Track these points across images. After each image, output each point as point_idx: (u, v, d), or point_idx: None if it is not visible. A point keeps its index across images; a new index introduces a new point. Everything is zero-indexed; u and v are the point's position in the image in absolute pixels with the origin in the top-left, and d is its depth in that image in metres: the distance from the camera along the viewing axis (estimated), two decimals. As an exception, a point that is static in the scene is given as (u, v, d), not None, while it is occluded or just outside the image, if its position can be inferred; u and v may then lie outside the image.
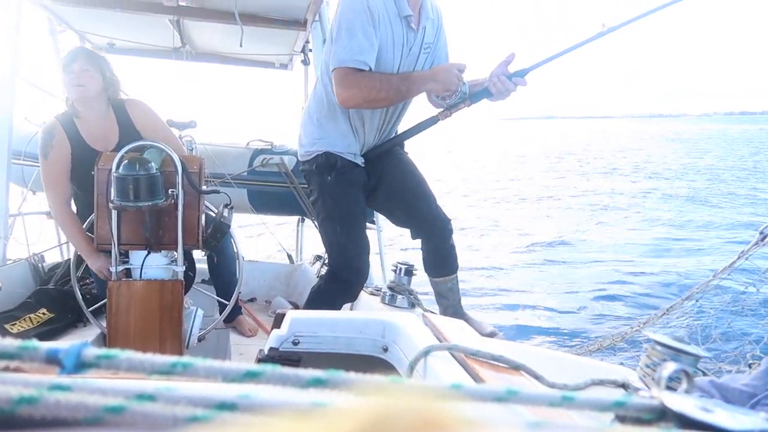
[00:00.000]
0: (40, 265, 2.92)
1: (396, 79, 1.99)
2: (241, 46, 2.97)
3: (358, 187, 2.18)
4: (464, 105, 2.08)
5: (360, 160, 2.19)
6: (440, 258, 2.31)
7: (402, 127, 2.30)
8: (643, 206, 13.14)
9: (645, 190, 16.10)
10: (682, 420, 0.37)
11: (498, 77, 2.00)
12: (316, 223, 3.92)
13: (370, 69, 1.95)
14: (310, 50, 3.68)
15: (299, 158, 2.27)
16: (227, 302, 2.50)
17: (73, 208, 2.39)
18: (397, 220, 2.35)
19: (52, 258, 3.17)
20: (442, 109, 2.13)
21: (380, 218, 3.24)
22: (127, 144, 2.05)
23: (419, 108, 2.34)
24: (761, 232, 2.45)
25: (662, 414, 0.39)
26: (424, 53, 2.13)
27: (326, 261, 3.13)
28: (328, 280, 2.19)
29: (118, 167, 1.94)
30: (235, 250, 2.57)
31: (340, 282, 2.13)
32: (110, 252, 2.07)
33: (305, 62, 3.95)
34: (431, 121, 2.16)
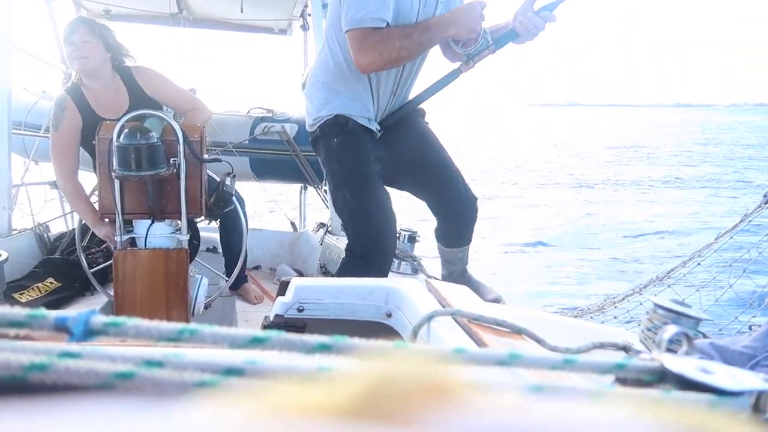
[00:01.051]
0: (45, 235, 2.94)
1: (416, 33, 1.80)
2: (242, 11, 2.92)
3: (368, 150, 1.97)
4: (488, 52, 1.89)
5: (375, 126, 2.00)
6: (459, 234, 2.19)
7: (416, 89, 2.12)
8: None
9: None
10: (682, 381, 0.38)
11: (524, 15, 1.82)
12: (320, 191, 3.94)
13: (387, 24, 1.78)
14: (309, 15, 3.61)
15: (308, 129, 2.10)
16: (233, 269, 2.52)
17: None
18: (418, 193, 2.19)
19: (57, 228, 3.19)
20: (463, 61, 1.93)
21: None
22: (137, 109, 2.05)
23: (432, 65, 2.17)
24: (765, 195, 2.44)
25: (662, 375, 0.39)
26: (442, 3, 1.93)
27: (329, 228, 3.14)
28: (346, 259, 2.02)
29: (119, 136, 1.93)
30: (243, 218, 2.57)
31: (357, 258, 1.94)
32: (115, 221, 2.09)
33: (304, 27, 3.89)
34: (453, 75, 1.98)
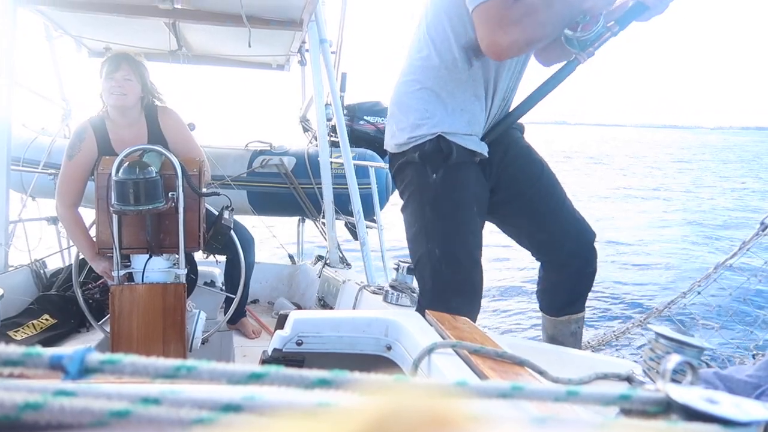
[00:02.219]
0: (41, 271, 2.92)
1: (558, 2, 1.45)
2: (249, 46, 2.97)
3: (474, 194, 1.61)
4: (609, 34, 1.54)
5: (483, 149, 1.61)
6: (574, 289, 1.73)
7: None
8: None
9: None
10: (688, 412, 0.37)
11: None
12: (318, 224, 3.94)
13: None
14: (307, 50, 3.67)
15: (392, 149, 1.68)
16: (230, 304, 2.50)
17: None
18: (522, 231, 1.74)
19: (54, 264, 3.17)
20: (577, 50, 1.57)
21: (383, 216, 3.24)
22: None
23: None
24: (762, 223, 2.45)
25: (668, 406, 0.39)
26: None
27: (327, 261, 3.13)
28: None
29: (117, 171, 1.94)
30: (237, 252, 2.57)
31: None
32: (112, 255, 2.08)
33: (302, 63, 3.95)
34: (568, 69, 1.61)
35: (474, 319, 1.55)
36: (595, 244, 1.76)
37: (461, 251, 1.59)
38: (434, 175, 1.57)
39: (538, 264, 1.82)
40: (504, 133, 1.68)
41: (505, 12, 1.42)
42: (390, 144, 1.69)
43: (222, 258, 2.73)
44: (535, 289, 1.85)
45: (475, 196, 1.62)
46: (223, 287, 2.66)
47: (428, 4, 1.62)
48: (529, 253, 1.80)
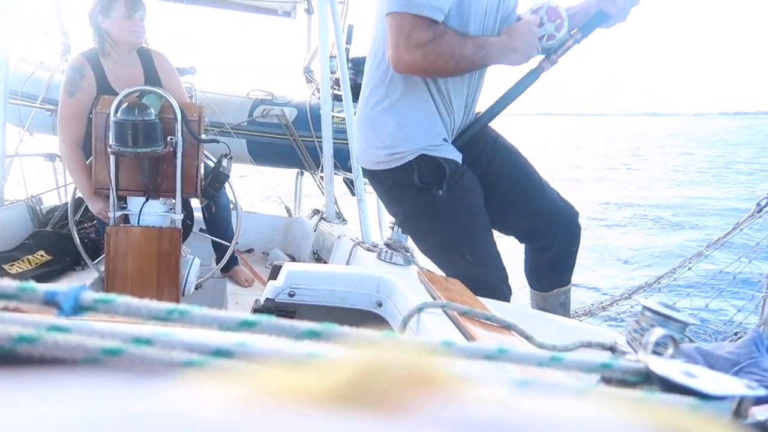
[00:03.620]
0: (37, 207, 2.92)
1: (470, 46, 1.46)
2: None
3: (479, 195, 1.64)
4: (573, 41, 1.56)
5: (458, 156, 1.63)
6: (559, 265, 1.78)
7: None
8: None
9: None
10: (666, 383, 0.38)
11: None
12: (316, 177, 3.93)
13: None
14: (315, -2, 3.58)
15: (366, 167, 1.71)
16: (224, 251, 2.52)
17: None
18: (505, 222, 1.76)
19: (50, 201, 3.17)
20: (543, 57, 1.60)
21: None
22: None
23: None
24: (758, 204, 2.45)
25: (647, 377, 0.40)
26: None
27: (324, 215, 3.14)
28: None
29: (116, 112, 1.91)
30: (234, 201, 2.57)
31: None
32: (109, 196, 2.08)
33: (309, 11, 3.86)
34: (533, 76, 1.62)
35: (509, 300, 1.64)
36: (581, 221, 1.79)
37: (490, 250, 1.64)
38: (440, 192, 1.58)
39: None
40: (478, 133, 1.70)
41: (411, 30, 1.42)
42: (365, 160, 1.70)
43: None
44: (522, 264, 1.87)
45: (480, 195, 1.65)
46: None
47: (377, 16, 1.58)
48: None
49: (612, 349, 1.01)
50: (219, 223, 2.65)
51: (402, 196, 1.68)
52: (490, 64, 1.55)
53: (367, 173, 1.75)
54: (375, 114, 1.63)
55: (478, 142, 1.72)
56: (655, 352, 0.45)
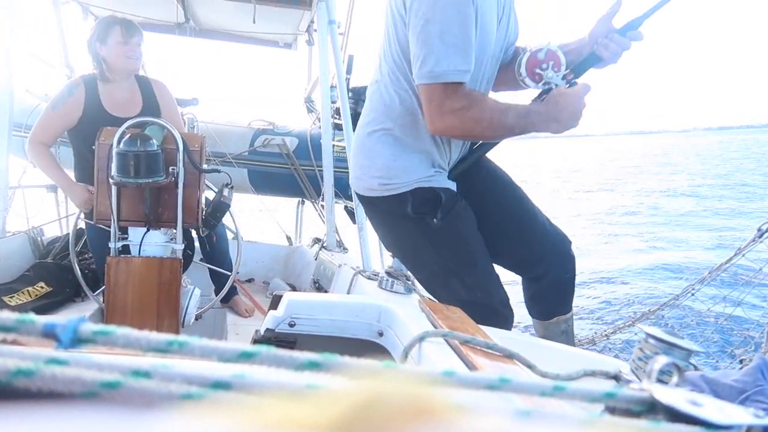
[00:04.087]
0: (39, 238, 2.93)
1: (512, 116, 1.45)
2: (254, 22, 2.95)
3: (472, 217, 1.65)
4: (565, 83, 1.57)
5: (452, 185, 1.65)
6: (556, 295, 1.76)
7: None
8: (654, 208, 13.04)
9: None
10: (671, 413, 0.37)
11: (608, 36, 1.51)
12: (317, 206, 3.94)
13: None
14: (315, 30, 3.65)
15: (359, 192, 1.71)
16: (224, 281, 2.51)
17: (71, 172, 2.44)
18: (498, 252, 1.73)
19: (52, 232, 3.18)
20: (537, 93, 1.59)
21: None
22: (147, 116, 2.13)
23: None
24: (759, 230, 2.45)
25: (652, 406, 0.39)
26: (505, 26, 1.59)
27: (324, 244, 3.14)
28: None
29: (119, 143, 1.93)
30: (234, 230, 2.57)
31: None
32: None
33: (309, 42, 3.92)
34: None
35: (512, 325, 1.64)
36: (574, 250, 1.79)
37: (488, 274, 1.64)
38: (434, 221, 1.59)
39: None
40: (474, 164, 1.71)
41: (445, 97, 1.42)
42: (358, 186, 1.71)
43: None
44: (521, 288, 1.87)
45: (473, 220, 1.66)
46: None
47: (387, 47, 1.58)
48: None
49: (616, 377, 1.00)
50: (217, 253, 2.65)
51: (396, 225, 1.69)
52: (529, 132, 1.52)
53: (361, 199, 1.75)
54: (371, 142, 1.64)
55: (472, 172, 1.72)
56: (659, 381, 0.45)
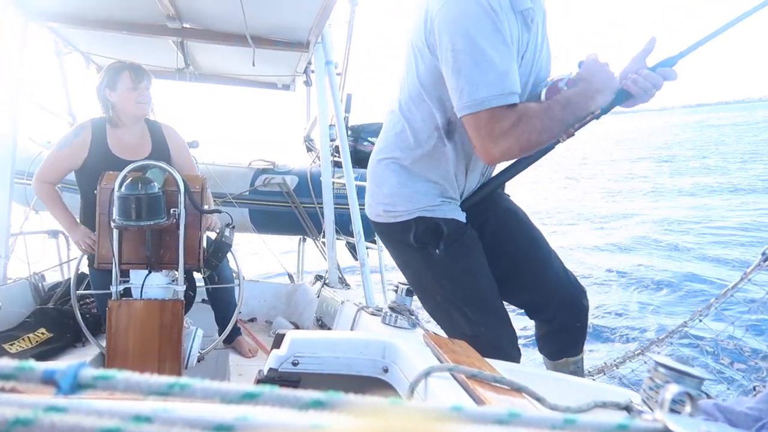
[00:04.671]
0: (40, 284, 2.92)
1: (557, 108, 1.39)
2: (253, 65, 3.01)
3: (480, 253, 1.62)
4: (592, 117, 1.50)
5: (461, 216, 1.62)
6: (566, 340, 1.74)
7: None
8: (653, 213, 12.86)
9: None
10: (686, 444, 0.37)
11: (638, 72, 1.45)
12: (318, 243, 3.94)
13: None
14: (313, 71, 3.72)
15: (370, 217, 1.72)
16: (227, 323, 2.49)
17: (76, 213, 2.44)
18: (507, 291, 1.70)
19: (53, 278, 3.17)
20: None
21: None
22: (157, 158, 2.15)
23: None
24: (763, 254, 2.44)
25: (666, 437, 0.38)
26: (530, 62, 1.54)
27: (326, 281, 3.12)
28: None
29: (120, 186, 1.94)
30: (236, 270, 2.57)
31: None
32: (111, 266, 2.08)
33: (307, 83, 3.99)
34: (549, 147, 1.54)
35: (519, 362, 1.60)
36: (587, 292, 1.76)
37: (494, 310, 1.61)
38: (437, 251, 1.57)
39: None
40: (488, 196, 1.68)
41: (494, 124, 1.36)
42: (368, 211, 1.72)
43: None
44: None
45: (481, 254, 1.62)
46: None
47: (405, 79, 1.57)
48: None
49: (628, 408, 0.98)
50: (221, 293, 2.63)
51: (402, 252, 1.68)
52: (583, 116, 1.45)
53: (372, 223, 1.74)
54: (380, 169, 1.64)
55: (487, 207, 1.69)
56: (672, 410, 0.44)
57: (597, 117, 1.52)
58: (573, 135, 1.52)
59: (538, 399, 0.92)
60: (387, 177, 1.61)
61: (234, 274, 2.67)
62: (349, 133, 4.13)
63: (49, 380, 0.30)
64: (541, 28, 1.55)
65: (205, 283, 2.59)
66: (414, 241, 1.59)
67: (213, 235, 2.38)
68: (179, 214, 2.04)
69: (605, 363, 3.27)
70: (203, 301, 2.69)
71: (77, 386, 0.30)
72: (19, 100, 2.80)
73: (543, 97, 1.51)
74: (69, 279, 2.66)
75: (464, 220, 1.62)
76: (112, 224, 1.97)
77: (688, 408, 0.46)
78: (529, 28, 1.47)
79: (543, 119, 1.37)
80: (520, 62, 1.48)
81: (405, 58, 1.57)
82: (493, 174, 1.72)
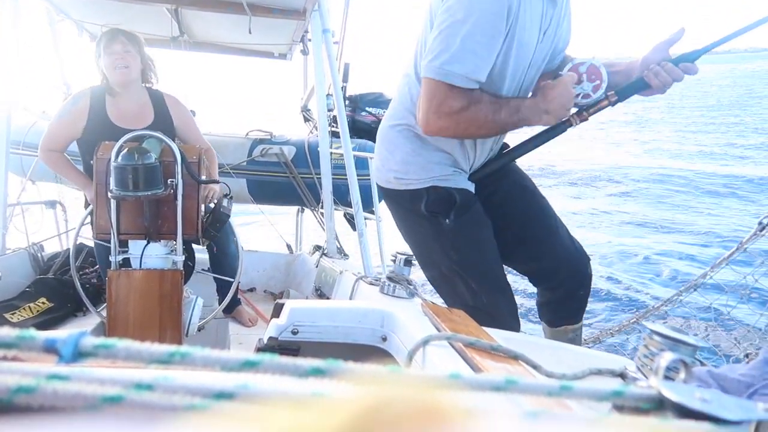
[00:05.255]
0: (39, 254, 2.92)
1: (505, 111, 1.43)
2: (250, 33, 2.96)
3: (487, 223, 1.64)
4: (607, 103, 1.53)
5: (470, 186, 1.63)
6: (567, 308, 1.78)
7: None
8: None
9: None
10: (680, 409, 0.37)
11: (660, 64, 1.46)
12: (317, 213, 3.94)
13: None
14: (310, 40, 3.66)
15: (379, 183, 1.72)
16: (227, 293, 2.51)
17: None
18: (514, 259, 1.75)
19: (51, 248, 3.17)
20: (575, 110, 1.56)
21: (381, 208, 3.24)
22: (158, 129, 2.12)
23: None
24: (760, 223, 2.45)
25: (660, 403, 0.39)
26: (551, 36, 1.55)
27: (325, 251, 3.14)
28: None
29: (116, 157, 1.93)
30: (235, 240, 2.57)
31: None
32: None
33: (304, 52, 3.93)
34: (560, 128, 1.55)
35: (518, 330, 1.63)
36: (591, 263, 1.80)
37: (497, 281, 1.64)
38: (447, 221, 1.58)
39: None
40: (498, 171, 1.69)
41: (444, 99, 1.40)
42: (377, 177, 1.72)
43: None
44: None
45: (488, 226, 1.64)
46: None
47: (420, 42, 1.56)
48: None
49: (622, 375, 0.99)
50: (225, 266, 2.63)
51: (409, 220, 1.68)
52: (522, 127, 1.51)
53: (380, 189, 1.75)
54: (393, 133, 1.63)
55: (496, 178, 1.70)
56: (666, 377, 0.44)
57: (613, 104, 1.54)
58: (586, 119, 1.55)
59: (535, 366, 0.93)
60: (400, 143, 1.61)
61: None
62: (347, 103, 4.09)
63: (50, 349, 0.31)
64: (566, 3, 1.57)
65: (209, 253, 2.60)
66: (425, 210, 1.59)
67: (212, 206, 2.38)
68: (177, 185, 2.03)
69: (601, 331, 3.31)
70: (203, 270, 2.71)
71: (78, 355, 0.31)
72: (12, 69, 2.76)
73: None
74: (68, 249, 2.66)
75: (473, 192, 1.63)
76: (110, 195, 1.97)
77: (682, 375, 0.47)
78: (555, 4, 1.49)
79: (488, 116, 1.42)
80: (541, 38, 1.51)
81: (422, 21, 1.56)
82: (501, 147, 1.73)
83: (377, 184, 1.75)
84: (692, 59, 1.46)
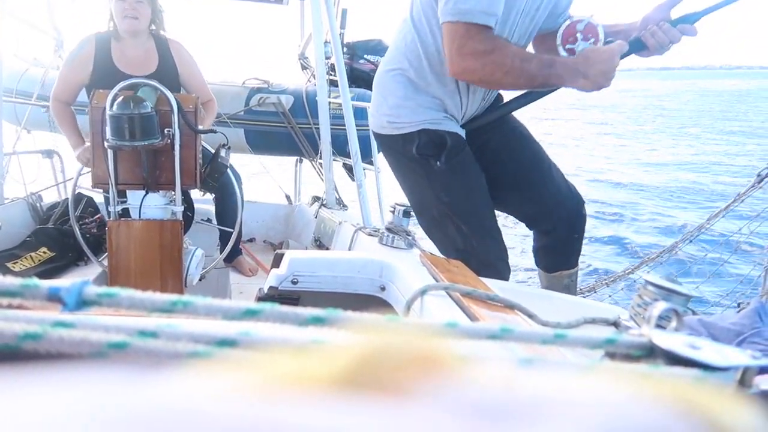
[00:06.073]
0: (38, 204, 2.92)
1: (536, 62, 1.41)
2: None
3: (478, 170, 1.65)
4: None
5: (461, 132, 1.65)
6: (562, 251, 1.80)
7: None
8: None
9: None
10: (670, 356, 0.38)
11: (658, 24, 1.44)
12: (315, 164, 3.92)
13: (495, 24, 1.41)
14: (307, -17, 3.54)
15: (373, 129, 1.73)
16: (227, 242, 2.53)
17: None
18: (509, 204, 1.79)
19: (50, 197, 3.17)
20: None
21: (380, 159, 3.22)
22: (162, 76, 2.12)
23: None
24: (758, 175, 2.45)
25: (651, 351, 0.40)
26: None
27: (324, 202, 3.14)
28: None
29: (111, 105, 1.90)
30: (237, 192, 2.57)
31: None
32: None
33: (301, -4, 3.82)
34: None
35: (508, 278, 1.67)
36: (585, 207, 1.82)
37: (487, 225, 1.66)
38: (438, 163, 1.59)
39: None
40: (491, 123, 1.69)
41: (467, 38, 1.39)
42: (372, 123, 1.73)
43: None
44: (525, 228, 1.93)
45: (479, 171, 1.66)
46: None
47: None
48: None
49: (616, 324, 1.01)
50: (228, 217, 2.64)
51: (402, 165, 1.70)
52: (553, 85, 1.46)
53: (376, 137, 1.77)
54: (386, 80, 1.64)
55: (492, 127, 1.71)
56: (658, 326, 0.45)
57: None
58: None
59: (530, 315, 0.95)
60: (393, 88, 1.62)
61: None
62: (345, 50, 3.99)
63: (54, 297, 0.31)
64: None
65: (215, 204, 2.61)
66: (416, 153, 1.60)
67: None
68: (174, 135, 2.01)
69: (596, 281, 3.36)
70: (202, 221, 2.72)
71: (82, 303, 0.31)
72: (0, 15, 2.68)
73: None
74: (66, 199, 2.66)
75: (464, 137, 1.64)
76: (106, 144, 1.95)
77: (673, 323, 0.48)
78: None
79: (514, 62, 1.39)
80: None
81: None
82: (495, 100, 1.73)
83: (372, 131, 1.76)
84: (692, 21, 1.44)
